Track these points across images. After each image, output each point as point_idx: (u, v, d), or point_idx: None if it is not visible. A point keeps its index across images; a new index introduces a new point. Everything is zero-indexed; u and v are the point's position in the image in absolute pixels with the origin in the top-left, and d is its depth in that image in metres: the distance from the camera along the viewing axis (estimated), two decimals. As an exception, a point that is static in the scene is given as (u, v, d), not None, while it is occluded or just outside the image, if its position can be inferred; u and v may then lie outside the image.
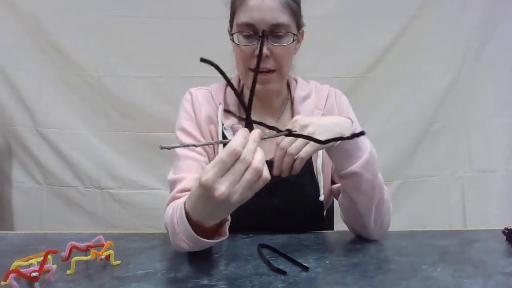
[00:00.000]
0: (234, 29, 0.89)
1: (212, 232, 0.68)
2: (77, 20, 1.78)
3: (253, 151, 0.55)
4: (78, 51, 1.80)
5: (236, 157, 0.54)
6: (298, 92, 0.98)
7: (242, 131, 0.56)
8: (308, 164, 0.91)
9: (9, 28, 1.78)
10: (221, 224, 0.68)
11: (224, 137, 0.92)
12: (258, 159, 0.55)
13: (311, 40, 1.71)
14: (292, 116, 0.96)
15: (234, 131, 0.92)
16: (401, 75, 1.87)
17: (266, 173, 0.55)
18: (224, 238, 0.68)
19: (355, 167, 0.75)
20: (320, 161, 0.93)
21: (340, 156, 0.77)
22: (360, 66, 1.85)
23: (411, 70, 1.87)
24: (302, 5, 0.92)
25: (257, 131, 0.57)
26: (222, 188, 0.54)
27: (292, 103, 0.98)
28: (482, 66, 1.88)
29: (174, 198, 0.85)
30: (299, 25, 0.91)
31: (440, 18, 1.84)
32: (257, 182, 0.55)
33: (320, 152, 0.92)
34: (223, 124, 0.93)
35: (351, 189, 0.80)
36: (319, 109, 0.97)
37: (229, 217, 0.69)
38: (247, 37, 0.86)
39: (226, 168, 0.54)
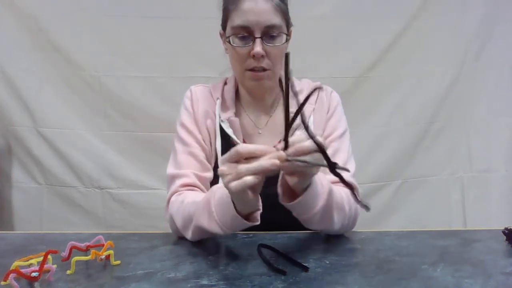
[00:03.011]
0: (229, 32, 0.93)
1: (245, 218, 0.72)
2: (77, 20, 1.78)
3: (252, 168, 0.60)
4: (78, 51, 1.80)
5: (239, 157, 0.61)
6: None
7: (267, 147, 0.61)
8: None
9: (9, 28, 1.78)
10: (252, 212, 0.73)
11: (221, 128, 0.97)
12: (247, 167, 0.60)
13: (311, 40, 1.73)
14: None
15: (230, 123, 0.97)
16: (401, 75, 1.87)
17: (247, 179, 0.60)
18: (256, 223, 0.71)
19: (311, 214, 0.74)
20: None
21: (298, 208, 0.74)
22: (360, 66, 1.85)
23: (411, 70, 1.87)
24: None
25: (279, 153, 0.60)
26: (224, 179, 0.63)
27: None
28: (482, 66, 1.88)
29: (176, 192, 0.91)
30: (288, 25, 0.96)
31: (440, 18, 1.84)
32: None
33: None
34: (220, 117, 0.98)
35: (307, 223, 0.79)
36: (311, 104, 1.01)
37: (260, 207, 0.72)
38: (242, 38, 0.91)
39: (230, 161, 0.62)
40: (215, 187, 0.78)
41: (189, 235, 0.82)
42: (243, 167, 0.60)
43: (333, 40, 1.82)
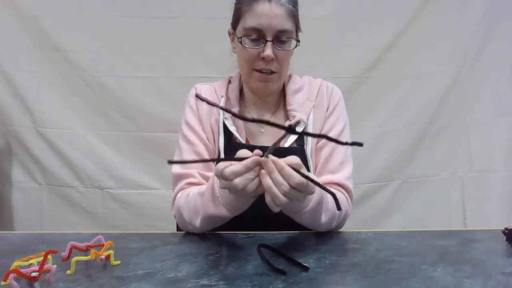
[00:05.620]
0: (241, 32, 0.94)
1: None
2: (77, 20, 1.78)
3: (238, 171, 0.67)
4: (78, 51, 1.80)
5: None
6: (291, 86, 1.04)
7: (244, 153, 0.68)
8: (301, 150, 0.97)
9: (9, 28, 1.78)
10: None
11: (225, 126, 0.98)
12: (230, 170, 0.67)
13: (311, 40, 1.72)
14: (286, 109, 1.02)
15: (233, 120, 0.99)
16: (401, 75, 1.87)
17: (234, 182, 0.67)
18: (260, 193, 0.73)
19: (297, 216, 0.80)
20: (309, 148, 0.98)
21: (286, 209, 0.80)
22: (360, 66, 1.85)
23: (411, 70, 1.87)
24: (302, 4, 0.98)
25: (252, 159, 0.67)
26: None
27: (285, 96, 1.04)
28: (482, 66, 1.88)
29: (182, 189, 0.94)
30: (297, 30, 0.98)
31: (440, 18, 1.84)
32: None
33: (309, 138, 0.98)
34: (224, 114, 0.99)
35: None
36: (311, 101, 1.02)
37: None
38: (253, 40, 0.93)
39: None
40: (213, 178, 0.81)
41: (197, 225, 0.85)
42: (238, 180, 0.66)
43: (333, 40, 1.82)
